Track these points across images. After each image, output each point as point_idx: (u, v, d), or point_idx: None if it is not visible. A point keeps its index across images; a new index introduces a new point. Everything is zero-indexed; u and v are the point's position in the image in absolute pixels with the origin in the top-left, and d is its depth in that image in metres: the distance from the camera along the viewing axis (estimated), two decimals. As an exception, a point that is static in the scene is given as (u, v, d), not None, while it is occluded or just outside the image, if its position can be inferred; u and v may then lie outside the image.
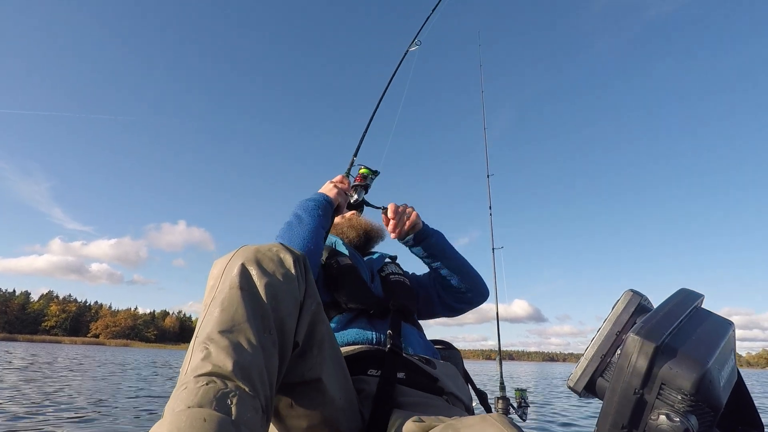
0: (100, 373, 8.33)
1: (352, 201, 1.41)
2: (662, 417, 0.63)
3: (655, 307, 0.75)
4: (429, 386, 0.91)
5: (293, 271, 0.68)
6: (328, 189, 1.26)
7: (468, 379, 1.15)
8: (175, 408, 0.50)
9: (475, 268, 1.35)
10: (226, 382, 0.54)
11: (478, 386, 1.17)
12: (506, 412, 2.35)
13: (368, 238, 1.41)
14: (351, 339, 1.01)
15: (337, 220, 1.39)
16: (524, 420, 2.30)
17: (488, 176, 3.47)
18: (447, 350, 1.23)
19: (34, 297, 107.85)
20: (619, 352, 0.73)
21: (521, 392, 2.37)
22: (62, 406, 3.83)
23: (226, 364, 0.55)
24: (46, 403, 3.99)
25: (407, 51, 2.00)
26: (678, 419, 0.62)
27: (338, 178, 1.33)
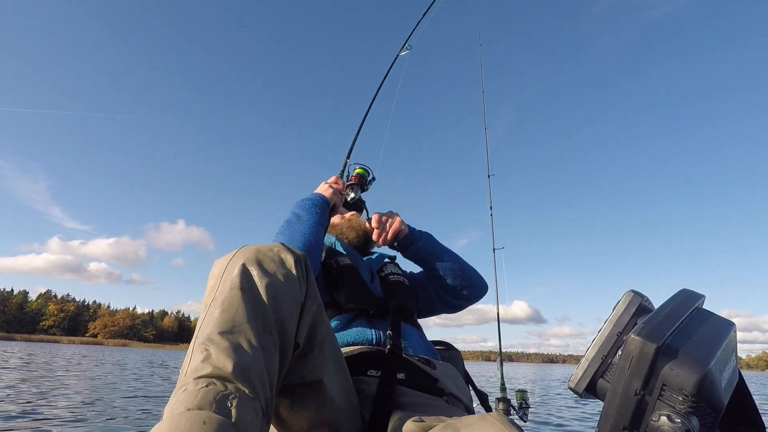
0: (98, 373, 8.31)
1: (348, 199, 1.43)
2: (663, 418, 0.63)
3: (656, 307, 0.75)
4: (429, 387, 0.91)
5: (294, 271, 0.68)
6: (323, 189, 1.28)
7: (468, 380, 1.14)
8: (175, 410, 0.50)
9: (469, 264, 1.35)
10: (226, 384, 0.53)
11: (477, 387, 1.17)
12: (507, 413, 2.35)
13: (367, 239, 1.41)
14: (351, 339, 1.01)
15: (336, 220, 1.40)
16: (525, 421, 2.30)
17: (489, 176, 3.47)
18: (447, 351, 1.23)
19: (32, 296, 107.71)
20: (620, 353, 0.73)
21: (522, 393, 2.37)
22: (59, 406, 3.82)
23: (226, 365, 0.54)
24: (43, 402, 3.98)
25: (397, 55, 2.07)
26: (679, 420, 0.62)
27: (332, 179, 1.35)
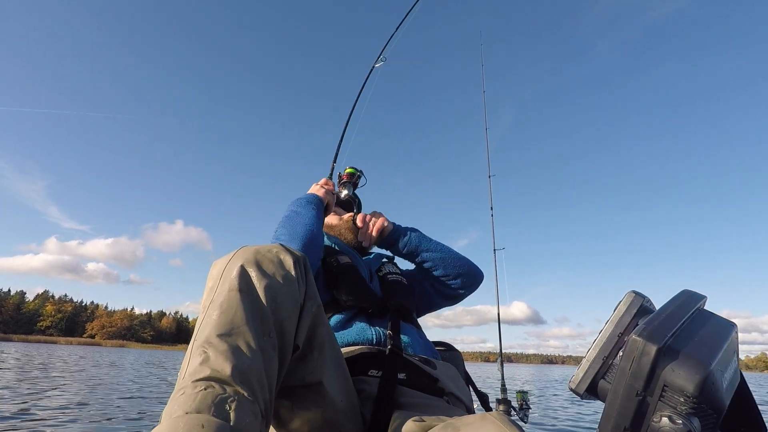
0: (96, 374, 8.28)
1: (342, 197, 1.48)
2: (665, 419, 0.63)
3: (657, 308, 0.75)
4: (429, 387, 0.91)
5: (293, 272, 0.67)
6: (315, 190, 1.33)
7: (469, 380, 1.14)
8: (173, 413, 0.49)
9: (462, 254, 1.36)
10: (225, 387, 0.53)
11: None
12: (507, 414, 2.35)
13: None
14: (351, 339, 1.00)
15: (334, 222, 1.41)
16: (525, 422, 2.30)
17: (489, 177, 3.47)
18: (448, 352, 1.23)
19: (30, 297, 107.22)
20: (621, 353, 0.73)
21: (523, 394, 2.37)
22: (56, 407, 3.80)
23: (225, 368, 0.54)
24: (39, 403, 3.96)
25: (373, 67, 2.12)
26: (680, 421, 0.61)
27: (322, 180, 1.40)
